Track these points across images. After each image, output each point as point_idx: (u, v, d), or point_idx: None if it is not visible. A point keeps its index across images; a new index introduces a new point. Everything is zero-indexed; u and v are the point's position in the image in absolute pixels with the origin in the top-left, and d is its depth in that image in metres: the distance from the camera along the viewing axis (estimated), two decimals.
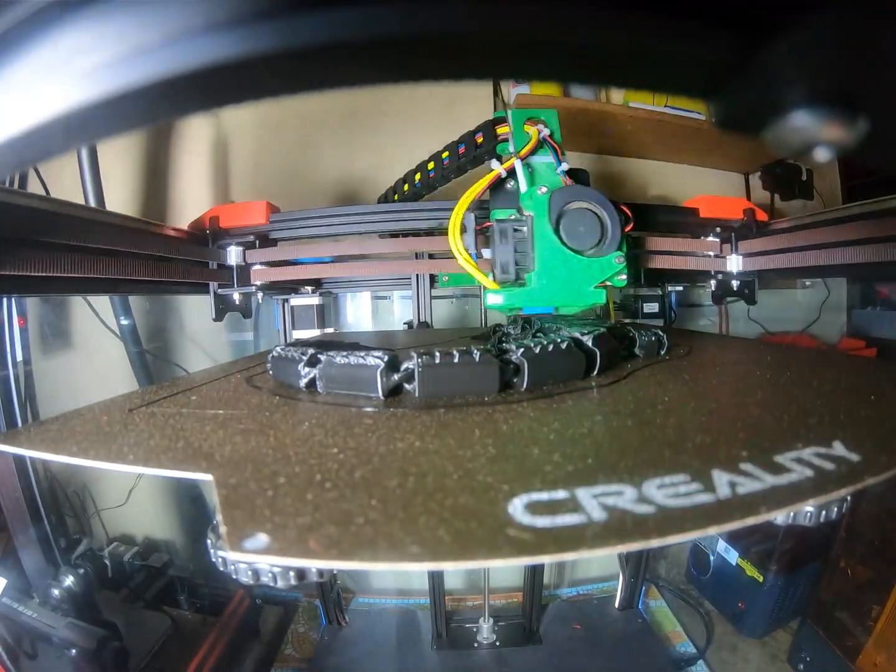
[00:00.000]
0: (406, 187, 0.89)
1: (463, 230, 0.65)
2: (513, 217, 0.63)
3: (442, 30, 0.13)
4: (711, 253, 0.93)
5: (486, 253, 0.66)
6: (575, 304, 0.62)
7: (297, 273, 0.90)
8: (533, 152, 0.65)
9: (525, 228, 0.61)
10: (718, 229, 0.92)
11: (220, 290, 0.88)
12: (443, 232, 0.78)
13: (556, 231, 0.59)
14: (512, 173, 0.65)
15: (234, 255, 0.86)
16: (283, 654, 1.16)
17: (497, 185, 0.66)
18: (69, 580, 1.00)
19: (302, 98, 0.15)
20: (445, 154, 0.80)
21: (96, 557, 1.13)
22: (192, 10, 0.13)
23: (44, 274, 0.54)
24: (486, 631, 1.12)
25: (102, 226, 0.62)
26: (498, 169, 0.65)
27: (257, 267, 0.88)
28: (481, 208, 0.69)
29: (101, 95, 0.14)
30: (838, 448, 0.23)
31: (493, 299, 0.62)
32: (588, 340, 0.40)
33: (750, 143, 1.22)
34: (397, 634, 1.17)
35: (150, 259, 0.71)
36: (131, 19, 0.13)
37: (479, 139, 0.72)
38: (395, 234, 0.93)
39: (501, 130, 0.69)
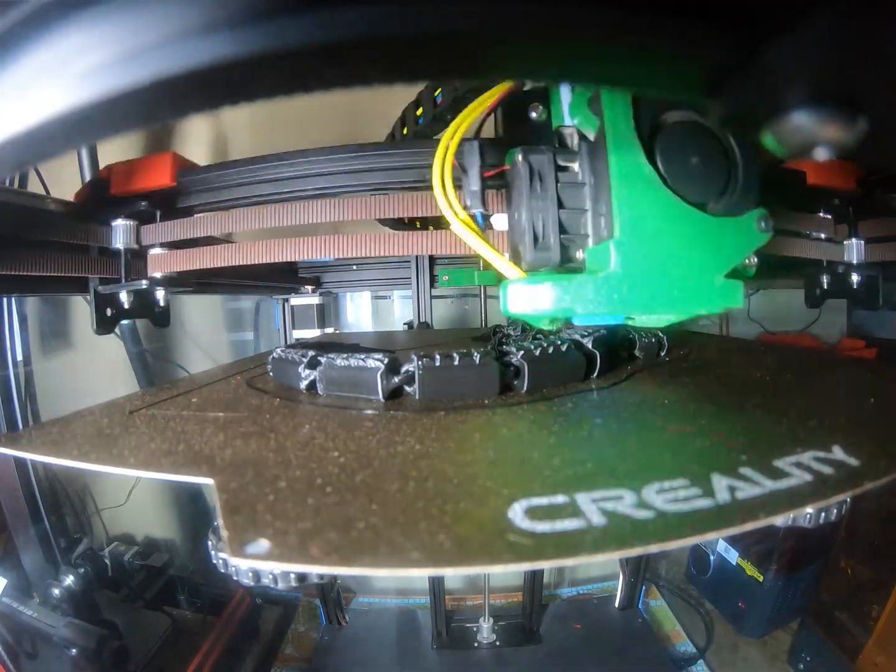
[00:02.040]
0: (405, 130, 0.65)
1: (462, 171, 0.40)
2: (554, 148, 0.36)
3: (441, 30, 0.13)
4: (823, 235, 0.63)
5: (499, 219, 0.40)
6: (692, 309, 0.33)
7: (215, 257, 0.54)
8: None
9: (577, 164, 0.35)
10: (837, 201, 0.63)
11: (101, 288, 0.58)
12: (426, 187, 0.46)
13: (651, 162, 0.32)
14: (538, 94, 0.38)
15: (121, 232, 0.56)
16: (283, 653, 1.16)
17: (513, 116, 0.39)
18: (69, 580, 1.01)
19: (302, 98, 0.15)
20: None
21: (96, 557, 1.13)
22: (191, 11, 0.13)
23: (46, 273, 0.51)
24: (486, 631, 1.12)
25: None
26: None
27: (156, 251, 0.57)
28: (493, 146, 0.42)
29: (101, 95, 0.14)
30: (838, 452, 0.23)
31: (525, 298, 0.33)
32: (588, 342, 0.40)
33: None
34: (397, 634, 1.17)
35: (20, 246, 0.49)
36: (131, 20, 0.13)
37: None
38: (395, 224, 0.75)
39: None
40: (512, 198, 0.37)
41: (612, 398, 0.35)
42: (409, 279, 0.95)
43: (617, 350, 0.46)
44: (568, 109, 0.36)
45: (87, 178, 1.08)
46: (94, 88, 0.14)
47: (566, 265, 0.35)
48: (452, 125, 0.38)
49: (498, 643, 1.11)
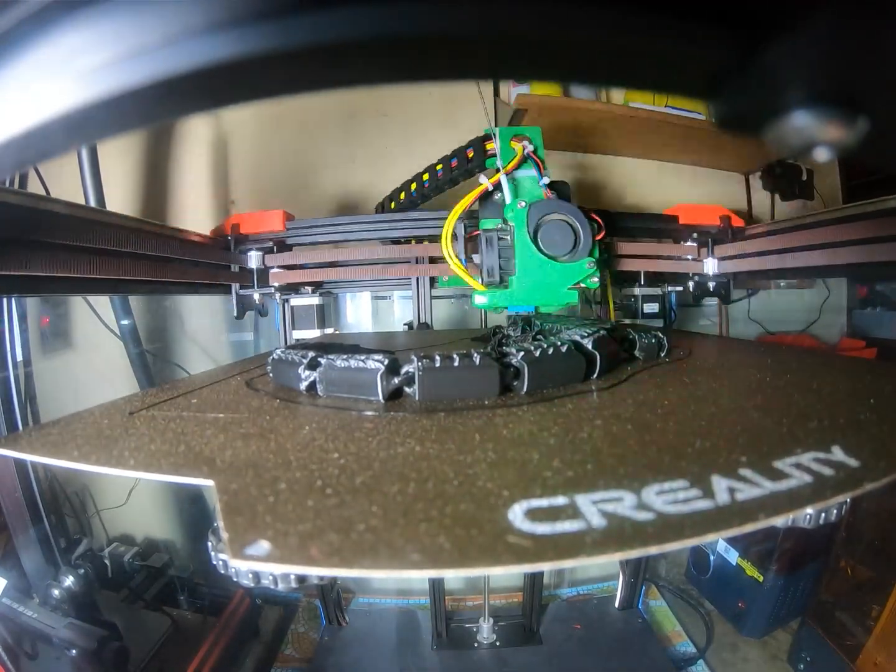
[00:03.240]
0: (402, 196, 0.97)
1: (454, 238, 0.74)
2: (498, 227, 0.71)
3: (443, 30, 0.13)
4: (690, 257, 1.02)
5: (476, 258, 0.74)
6: (551, 304, 0.70)
7: (311, 276, 0.98)
8: (518, 167, 0.71)
9: (508, 237, 0.69)
10: (696, 234, 1.01)
11: (241, 291, 0.97)
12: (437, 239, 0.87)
13: (535, 240, 0.66)
14: (499, 186, 0.71)
15: (254, 259, 0.96)
16: (283, 654, 1.16)
17: (486, 197, 0.73)
18: (69, 580, 1.00)
19: (302, 98, 0.15)
20: (439, 166, 0.86)
21: (96, 557, 1.13)
22: (193, 10, 0.13)
23: (51, 274, 0.54)
24: (486, 631, 1.12)
25: (136, 232, 0.69)
26: (485, 183, 0.71)
27: (275, 270, 0.97)
28: (471, 218, 0.76)
29: (102, 95, 0.14)
30: (837, 453, 0.23)
31: (480, 299, 0.70)
32: (588, 343, 0.40)
33: (750, 143, 1.22)
34: (397, 634, 1.17)
35: (177, 262, 0.79)
36: (132, 19, 0.13)
37: (470, 154, 0.78)
38: (396, 241, 1.01)
39: (490, 146, 0.75)
40: (479, 249, 0.72)
41: (612, 399, 0.35)
42: (409, 279, 0.95)
43: (617, 351, 0.46)
44: (504, 210, 0.69)
45: (87, 178, 1.08)
46: (96, 88, 0.14)
47: (502, 284, 0.70)
48: (452, 212, 0.72)
49: (498, 643, 1.11)
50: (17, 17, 0.14)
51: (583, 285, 0.68)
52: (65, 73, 0.14)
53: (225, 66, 0.13)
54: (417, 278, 0.95)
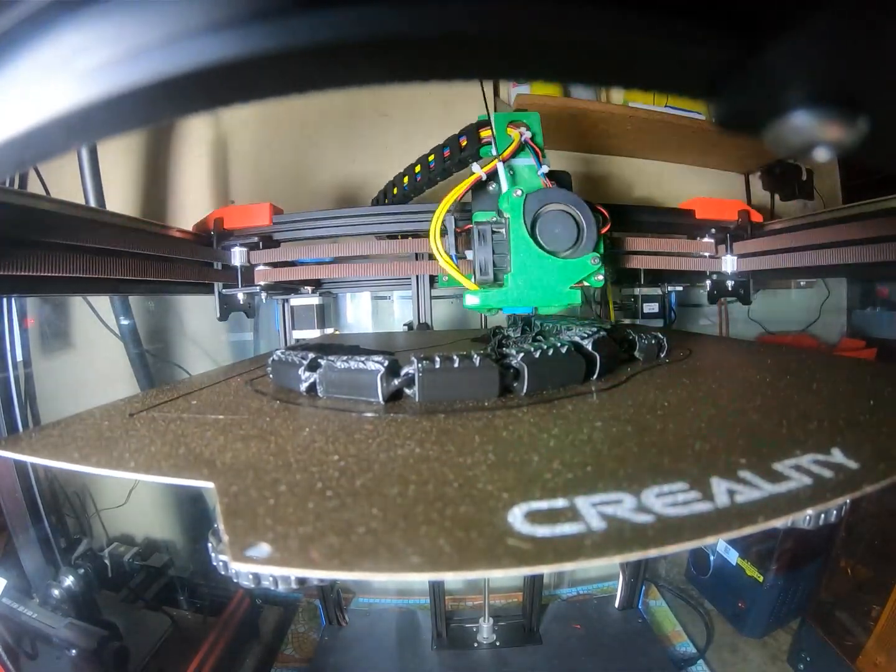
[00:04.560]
0: (395, 190, 0.92)
1: (443, 232, 0.66)
2: (492, 219, 0.63)
3: (442, 30, 0.13)
4: (707, 254, 0.95)
5: (469, 254, 0.66)
6: (551, 305, 0.62)
7: (299, 273, 0.92)
8: (515, 155, 0.65)
9: (504, 230, 0.61)
10: (714, 230, 0.95)
11: (224, 291, 0.91)
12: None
13: (532, 233, 0.58)
14: (494, 175, 0.65)
15: (238, 255, 0.89)
16: (283, 654, 1.16)
17: (479, 188, 0.67)
18: (69, 580, 1.01)
19: (302, 98, 0.15)
20: (431, 157, 0.80)
21: (96, 558, 1.13)
22: (193, 10, 0.13)
23: (44, 274, 0.54)
24: (486, 631, 1.12)
25: (107, 226, 0.63)
26: (478, 171, 0.65)
27: (261, 267, 0.91)
28: (464, 210, 0.72)
29: (102, 95, 0.14)
30: (837, 455, 0.23)
31: (471, 300, 0.62)
32: (588, 344, 0.40)
33: (750, 143, 1.22)
34: (397, 634, 1.17)
35: (156, 259, 0.72)
36: (132, 19, 0.13)
37: (464, 143, 0.73)
38: (393, 236, 0.96)
39: (485, 134, 0.69)
40: (471, 244, 0.63)
41: (612, 400, 0.35)
42: (409, 279, 0.95)
43: (617, 352, 0.46)
44: (499, 200, 0.63)
45: (88, 178, 1.08)
46: (96, 87, 0.14)
47: (496, 283, 0.61)
48: (441, 204, 0.65)
49: (498, 643, 1.11)
50: (17, 17, 0.14)
51: (586, 284, 0.61)
52: (65, 73, 0.14)
53: (225, 66, 0.13)
54: (417, 278, 0.95)
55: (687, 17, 0.13)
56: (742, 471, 0.22)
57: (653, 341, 0.49)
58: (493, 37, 0.14)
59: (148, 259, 0.70)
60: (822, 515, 0.29)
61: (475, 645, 1.11)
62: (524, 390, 0.36)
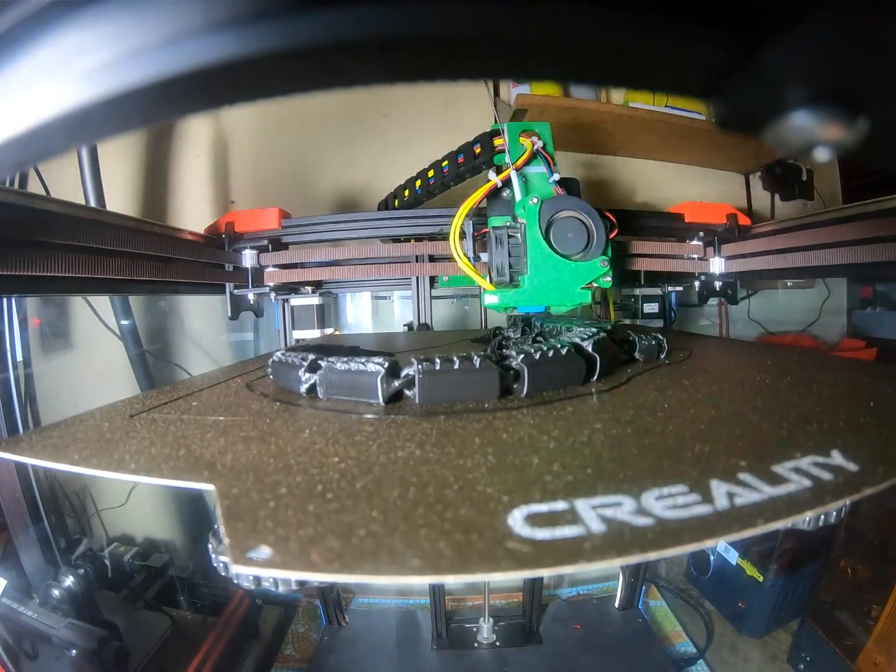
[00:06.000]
0: (406, 193, 0.93)
1: (462, 236, 0.71)
2: (507, 224, 0.68)
3: (442, 30, 0.13)
4: (696, 256, 1.00)
5: (484, 256, 0.71)
6: (563, 304, 0.66)
7: (307, 275, 0.95)
8: (527, 163, 0.69)
9: (519, 235, 0.65)
10: (702, 233, 0.99)
11: (235, 291, 0.95)
12: (443, 238, 0.91)
13: (546, 238, 0.63)
14: (508, 183, 0.69)
15: (249, 258, 0.93)
16: (283, 654, 1.16)
17: (494, 194, 0.71)
18: (69, 580, 1.01)
19: (302, 98, 0.15)
20: (445, 163, 0.83)
21: (96, 557, 1.13)
22: (192, 10, 0.13)
23: (46, 274, 0.54)
24: (486, 631, 1.12)
25: (127, 231, 0.67)
26: (494, 179, 0.69)
27: (270, 269, 0.95)
28: (479, 215, 0.75)
29: (102, 95, 0.14)
30: (836, 457, 0.23)
31: (490, 299, 0.67)
32: (588, 346, 0.40)
33: (750, 143, 1.22)
34: (397, 634, 1.17)
35: (171, 261, 0.76)
36: (132, 19, 0.13)
37: (478, 150, 0.76)
38: (396, 239, 0.99)
39: (498, 142, 0.73)
40: (488, 247, 0.68)
41: (612, 402, 0.35)
42: (409, 279, 0.95)
43: (617, 353, 0.46)
44: (515, 207, 0.67)
45: (88, 178, 1.08)
46: (96, 88, 0.14)
47: (512, 283, 0.66)
48: (460, 210, 0.70)
49: (498, 643, 1.11)
50: (17, 17, 0.14)
51: (595, 285, 0.66)
52: (65, 73, 0.14)
53: (224, 66, 0.13)
54: (417, 278, 0.95)
55: (687, 17, 0.13)
56: (742, 473, 0.22)
57: (653, 342, 0.49)
58: (493, 37, 0.14)
59: (163, 260, 0.74)
60: (822, 517, 0.29)
61: (475, 645, 1.11)
62: (524, 392, 0.36)
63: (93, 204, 1.08)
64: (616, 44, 0.14)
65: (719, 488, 0.20)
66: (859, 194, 1.28)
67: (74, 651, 0.85)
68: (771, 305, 1.51)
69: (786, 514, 0.19)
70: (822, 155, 0.14)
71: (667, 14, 0.13)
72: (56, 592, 0.98)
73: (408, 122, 1.41)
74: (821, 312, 1.51)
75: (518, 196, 0.67)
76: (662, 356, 0.50)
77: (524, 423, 0.30)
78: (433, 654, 1.10)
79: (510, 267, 0.65)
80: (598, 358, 0.40)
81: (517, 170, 0.68)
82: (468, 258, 0.71)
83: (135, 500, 1.31)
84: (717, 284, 1.01)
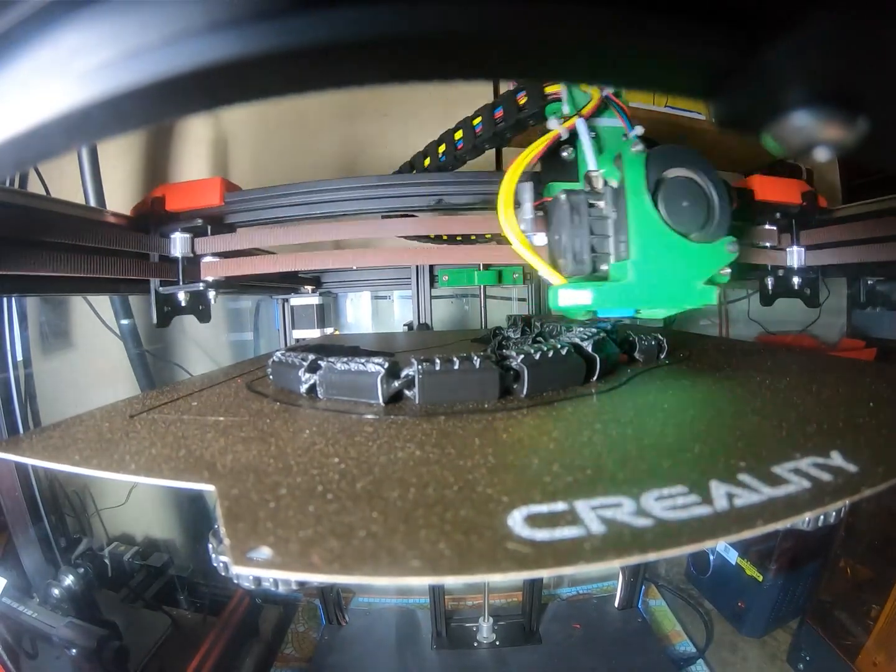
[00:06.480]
0: (427, 161, 0.73)
1: (517, 205, 0.51)
2: (586, 189, 0.49)
3: (441, 30, 0.13)
4: (768, 244, 0.78)
5: (540, 238, 0.53)
6: (681, 305, 0.47)
7: (257, 265, 0.71)
8: (596, 114, 0.52)
9: (602, 203, 0.47)
10: (778, 215, 0.76)
11: (162, 289, 0.70)
12: (443, 209, 0.67)
13: (655, 206, 0.45)
14: (569, 140, 0.52)
15: (179, 243, 0.69)
16: (282, 653, 1.16)
17: (549, 155, 0.53)
18: (69, 580, 1.01)
19: (302, 98, 0.15)
20: (477, 120, 0.64)
21: (96, 557, 1.13)
22: (192, 11, 0.13)
23: (44, 273, 0.53)
24: (485, 630, 1.12)
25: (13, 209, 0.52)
26: (558, 128, 0.51)
27: (208, 259, 0.71)
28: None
29: (102, 95, 0.14)
30: (836, 458, 0.23)
31: (570, 297, 0.47)
32: (588, 346, 0.40)
33: (750, 143, 1.22)
34: (397, 634, 1.17)
35: (83, 252, 0.57)
36: (132, 19, 0.13)
37: (522, 99, 0.57)
38: (387, 215, 0.78)
39: (551, 89, 0.55)
40: (552, 223, 0.49)
41: (612, 402, 0.35)
42: (409, 279, 0.95)
43: (617, 353, 0.46)
44: (595, 161, 0.49)
45: (88, 178, 1.08)
46: (96, 88, 0.14)
47: (593, 275, 0.48)
48: (510, 169, 0.49)
49: (497, 643, 1.11)
50: (17, 17, 0.14)
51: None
52: (65, 73, 0.14)
53: (224, 66, 0.13)
54: (417, 278, 0.95)
55: (687, 18, 0.13)
56: (741, 474, 0.22)
57: (653, 342, 0.49)
58: (493, 37, 0.14)
59: (76, 252, 0.56)
60: (821, 517, 0.29)
61: (475, 644, 1.11)
62: (524, 392, 0.36)
63: (93, 204, 1.08)
64: (616, 44, 0.14)
65: (719, 489, 0.20)
66: (859, 194, 1.28)
67: (74, 650, 0.86)
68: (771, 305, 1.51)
69: (785, 515, 0.19)
70: (822, 155, 0.14)
71: (667, 14, 0.13)
72: (56, 592, 0.98)
73: (408, 123, 1.41)
74: (820, 312, 1.51)
75: (589, 152, 0.49)
76: (662, 356, 0.50)
77: (524, 424, 0.30)
78: (433, 654, 1.10)
79: (592, 250, 0.47)
80: (597, 358, 0.40)
81: (586, 118, 0.50)
82: (527, 237, 0.50)
83: (135, 500, 1.31)
84: (796, 281, 0.80)
